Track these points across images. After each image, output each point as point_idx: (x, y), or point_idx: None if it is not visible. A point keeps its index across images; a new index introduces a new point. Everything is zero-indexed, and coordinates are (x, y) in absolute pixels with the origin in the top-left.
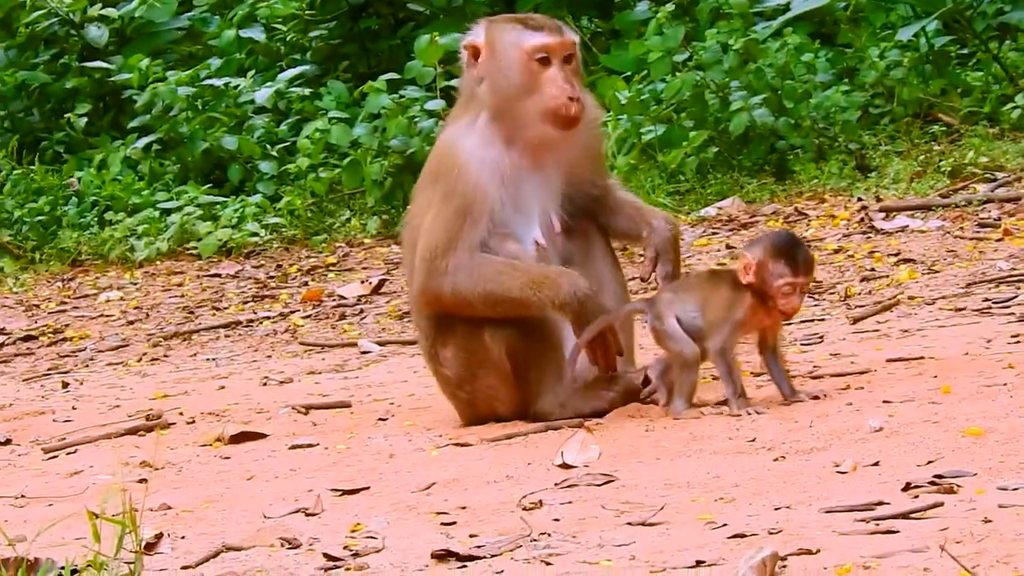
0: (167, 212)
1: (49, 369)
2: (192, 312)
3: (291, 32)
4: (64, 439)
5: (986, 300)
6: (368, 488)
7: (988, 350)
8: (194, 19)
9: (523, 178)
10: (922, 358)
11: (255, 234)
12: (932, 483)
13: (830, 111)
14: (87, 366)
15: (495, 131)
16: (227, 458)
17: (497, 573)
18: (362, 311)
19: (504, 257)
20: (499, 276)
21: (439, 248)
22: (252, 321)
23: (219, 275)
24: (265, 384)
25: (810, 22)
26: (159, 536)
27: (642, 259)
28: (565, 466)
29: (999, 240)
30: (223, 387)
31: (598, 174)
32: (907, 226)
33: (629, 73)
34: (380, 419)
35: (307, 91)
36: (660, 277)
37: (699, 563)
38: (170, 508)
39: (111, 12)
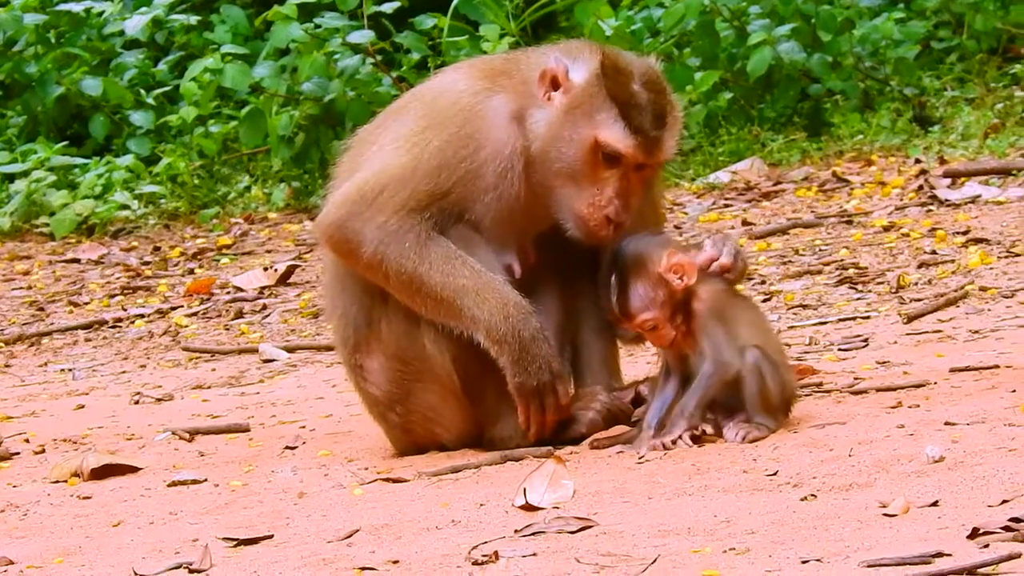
0: (9, 178)
1: None
2: (42, 309)
3: None
4: None
5: None
6: (271, 537)
7: None
8: None
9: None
10: (996, 367)
11: (125, 207)
12: (1007, 528)
13: (879, 46)
14: None
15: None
16: (87, 498)
17: None
18: (265, 307)
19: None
20: (442, 265)
21: (387, 190)
22: (121, 320)
23: (78, 260)
24: (137, 402)
25: None
26: None
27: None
28: (529, 507)
29: None
30: (82, 406)
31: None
32: (979, 196)
33: None
34: (287, 447)
35: (193, 19)
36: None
37: None
38: (12, 563)
39: None
